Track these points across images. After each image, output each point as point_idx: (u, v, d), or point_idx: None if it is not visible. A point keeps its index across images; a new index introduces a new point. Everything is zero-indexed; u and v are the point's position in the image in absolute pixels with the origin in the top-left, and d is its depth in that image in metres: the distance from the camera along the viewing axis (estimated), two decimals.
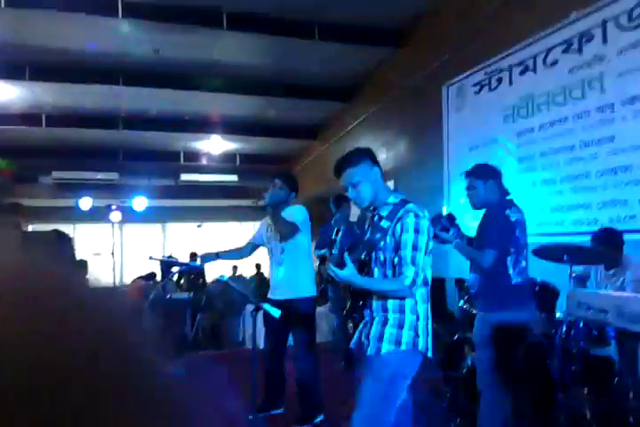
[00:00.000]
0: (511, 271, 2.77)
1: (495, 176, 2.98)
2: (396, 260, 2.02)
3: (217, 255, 3.66)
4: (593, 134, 3.96)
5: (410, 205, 2.09)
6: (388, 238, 2.06)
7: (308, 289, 3.59)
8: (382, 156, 7.55)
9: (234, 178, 10.99)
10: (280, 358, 3.75)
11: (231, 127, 9.24)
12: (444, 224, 2.96)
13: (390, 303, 2.06)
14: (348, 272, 1.94)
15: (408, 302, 2.05)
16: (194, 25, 5.84)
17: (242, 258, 3.91)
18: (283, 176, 3.76)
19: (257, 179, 11.43)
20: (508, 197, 3.01)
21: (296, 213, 3.56)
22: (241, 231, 12.39)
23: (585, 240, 3.73)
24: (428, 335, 2.08)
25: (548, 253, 3.27)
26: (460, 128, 5.60)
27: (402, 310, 2.05)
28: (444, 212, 3.06)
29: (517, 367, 2.82)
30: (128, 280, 9.40)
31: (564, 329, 2.77)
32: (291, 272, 3.56)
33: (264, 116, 8.94)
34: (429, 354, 2.09)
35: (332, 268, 1.94)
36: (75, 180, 9.86)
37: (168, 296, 6.38)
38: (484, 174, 2.96)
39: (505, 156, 4.91)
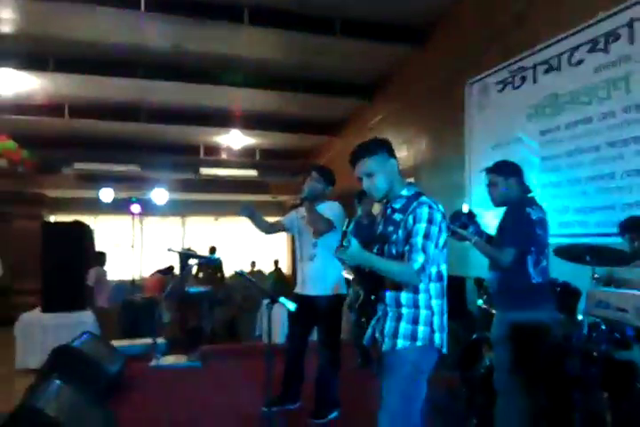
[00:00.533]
0: (531, 270, 2.74)
1: (516, 173, 2.95)
2: (407, 248, 1.99)
3: (253, 211, 3.65)
4: (618, 135, 3.89)
5: (423, 198, 2.08)
6: (400, 232, 2.04)
7: (337, 286, 3.58)
8: (403, 153, 7.51)
9: (253, 173, 11.03)
10: (301, 353, 3.76)
11: (251, 122, 9.26)
12: (464, 221, 2.94)
13: (404, 298, 2.04)
14: (354, 250, 1.89)
15: (422, 297, 2.03)
16: (215, 20, 5.86)
17: (264, 231, 3.85)
18: (319, 169, 3.76)
19: (276, 174, 11.50)
20: (530, 195, 2.97)
21: (333, 208, 3.55)
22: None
23: (609, 242, 3.68)
24: (443, 331, 2.06)
25: (570, 253, 3.23)
26: (482, 126, 5.54)
27: (416, 305, 2.03)
28: (465, 209, 3.02)
29: (535, 368, 2.79)
30: (147, 273, 9.53)
31: (585, 331, 2.74)
32: (321, 268, 3.55)
33: (285, 111, 8.96)
34: (444, 350, 2.07)
35: (338, 252, 1.88)
36: (96, 171, 9.97)
37: (186, 289, 6.43)
38: (505, 171, 2.94)
39: (528, 155, 4.85)
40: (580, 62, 4.19)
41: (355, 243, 1.89)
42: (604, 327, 2.63)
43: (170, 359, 5.29)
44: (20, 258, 9.19)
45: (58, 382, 2.98)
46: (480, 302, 3.74)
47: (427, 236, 1.97)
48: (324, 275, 3.53)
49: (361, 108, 8.80)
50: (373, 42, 6.48)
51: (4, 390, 4.71)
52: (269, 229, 3.86)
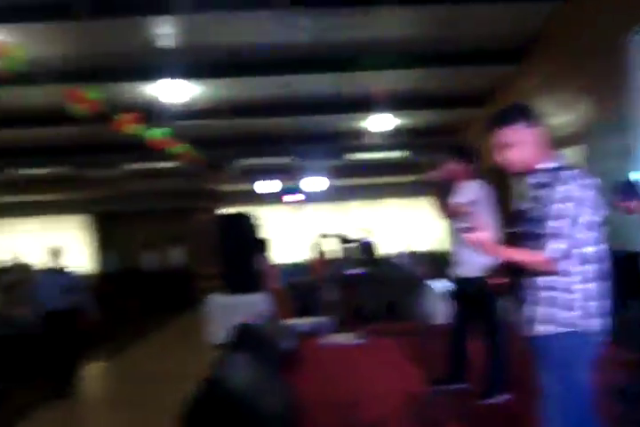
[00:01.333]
0: None
1: None
2: (543, 231, 1.84)
3: None
4: None
5: (565, 173, 1.87)
6: (537, 209, 1.89)
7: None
8: (560, 119, 6.97)
9: (402, 154, 11.02)
10: (462, 333, 3.76)
11: (397, 103, 9.21)
12: (625, 192, 2.70)
13: (544, 281, 1.90)
14: (484, 242, 1.85)
15: (562, 280, 1.87)
16: (349, 7, 5.94)
17: None
18: (456, 149, 3.70)
19: (426, 153, 11.35)
20: None
21: (469, 189, 3.51)
22: (415, 207, 12.43)
23: None
24: (602, 317, 1.89)
25: None
26: None
27: (553, 288, 1.89)
28: (630, 178, 2.76)
29: None
30: (309, 257, 10.15)
31: None
32: (470, 250, 3.52)
33: (429, 88, 8.77)
34: (599, 337, 1.91)
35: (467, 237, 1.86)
36: (255, 166, 10.78)
37: (345, 271, 6.72)
38: None
39: None
40: None
41: (485, 235, 1.85)
42: None
43: (338, 337, 5.63)
44: (199, 247, 10.42)
45: (242, 356, 3.37)
46: None
47: (569, 218, 1.82)
48: (473, 256, 3.42)
49: (510, 75, 8.28)
50: (516, 2, 6.04)
51: (197, 362, 5.41)
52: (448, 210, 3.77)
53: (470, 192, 3.46)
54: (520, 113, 2.00)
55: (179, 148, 8.84)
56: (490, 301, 3.60)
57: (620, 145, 5.43)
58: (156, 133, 7.75)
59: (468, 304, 3.72)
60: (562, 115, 6.97)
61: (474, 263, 3.45)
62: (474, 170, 3.63)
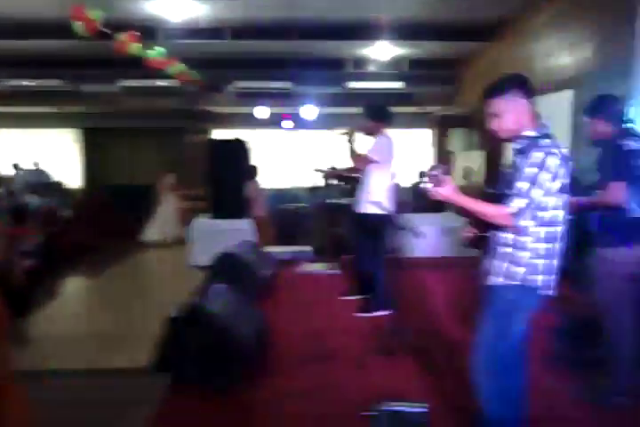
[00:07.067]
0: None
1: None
2: (512, 191, 2.01)
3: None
4: None
5: (544, 141, 2.04)
6: (517, 173, 2.04)
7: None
8: (566, 60, 6.81)
9: (401, 85, 10.79)
10: (370, 262, 4.41)
11: (400, 32, 8.89)
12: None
13: (509, 238, 2.10)
14: (447, 190, 2.00)
15: (527, 239, 2.07)
16: None
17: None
18: (367, 107, 4.37)
19: (424, 84, 11.12)
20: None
21: (376, 144, 4.25)
22: (407, 138, 12.35)
23: None
24: (549, 274, 2.10)
25: None
26: None
27: (519, 247, 2.08)
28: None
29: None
30: (299, 184, 10.27)
31: None
32: (367, 190, 4.32)
33: (436, 17, 8.42)
34: (549, 292, 2.13)
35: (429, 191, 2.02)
36: (254, 89, 10.57)
37: (327, 200, 6.80)
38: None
39: None
40: None
41: (449, 183, 1.99)
42: None
43: (314, 266, 5.90)
44: (188, 167, 10.50)
45: (221, 284, 3.60)
46: None
47: (534, 181, 1.97)
48: (373, 198, 4.16)
49: (520, 10, 7.94)
50: None
51: (178, 283, 5.69)
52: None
53: (379, 145, 4.20)
54: (512, 84, 2.14)
55: (177, 67, 8.65)
56: (380, 233, 4.23)
57: (617, 91, 5.38)
58: (155, 53, 7.56)
59: (367, 237, 4.29)
60: (565, 56, 6.81)
61: (369, 201, 4.11)
62: (384, 127, 4.29)
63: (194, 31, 8.28)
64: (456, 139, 11.75)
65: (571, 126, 6.24)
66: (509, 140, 2.20)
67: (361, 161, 4.18)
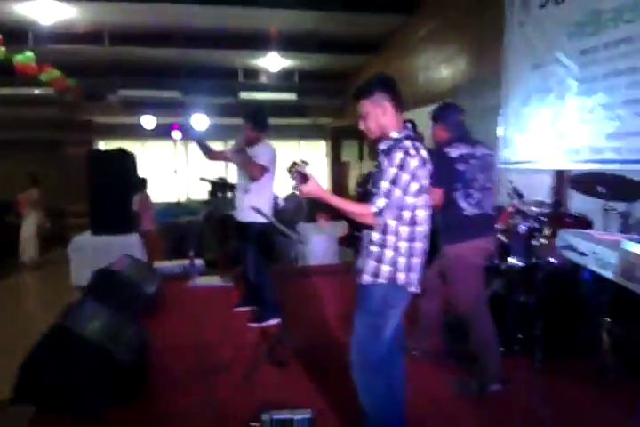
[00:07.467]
0: (463, 204, 2.90)
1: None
2: (374, 190, 2.05)
3: (203, 137, 4.41)
4: None
5: (405, 143, 2.07)
6: (380, 173, 2.08)
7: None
8: (443, 73, 7.22)
9: (292, 96, 10.89)
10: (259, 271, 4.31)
11: (290, 43, 9.01)
12: None
13: (374, 237, 2.13)
14: (310, 187, 2.01)
15: (390, 238, 2.10)
16: None
17: (207, 157, 4.54)
18: (248, 116, 4.22)
19: (316, 97, 11.31)
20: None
21: (265, 151, 4.17)
22: (301, 149, 12.50)
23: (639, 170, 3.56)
24: (410, 271, 2.13)
25: (583, 183, 3.16)
26: (522, 45, 5.19)
27: (383, 245, 2.11)
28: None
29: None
30: (193, 196, 9.95)
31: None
32: (254, 201, 4.11)
33: (323, 31, 8.63)
34: (413, 289, 2.17)
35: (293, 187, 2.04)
36: (140, 98, 10.14)
37: (223, 213, 6.68)
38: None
39: (566, 77, 4.58)
40: None
41: (313, 180, 1.98)
42: None
43: (205, 280, 5.69)
44: (71, 182, 9.78)
45: (92, 302, 3.31)
46: None
47: (394, 181, 2.01)
48: (256, 205, 3.92)
49: (401, 25, 8.36)
50: None
51: (58, 304, 5.24)
52: (213, 157, 4.47)
53: (263, 154, 4.12)
54: (377, 86, 2.17)
55: (50, 73, 8.08)
56: (264, 242, 4.21)
57: (489, 102, 5.76)
58: (23, 57, 7.01)
59: (251, 246, 4.20)
60: (442, 69, 7.21)
61: (251, 210, 3.91)
62: (265, 135, 4.27)
63: (69, 36, 7.81)
64: (349, 150, 12.06)
65: None
66: (378, 140, 2.22)
67: (259, 170, 4.06)
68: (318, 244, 6.65)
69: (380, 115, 2.15)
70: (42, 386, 2.76)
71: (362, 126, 2.22)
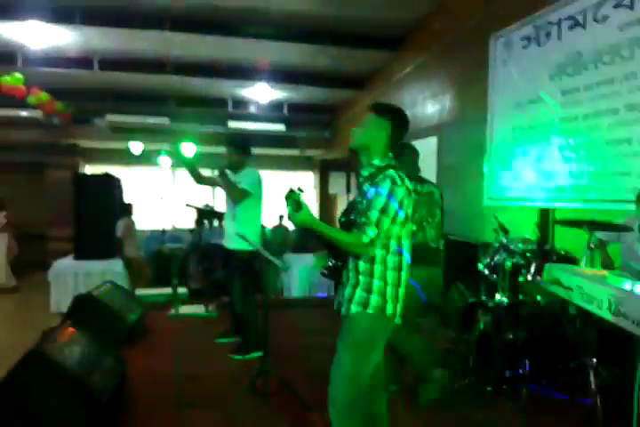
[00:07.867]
0: None
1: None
2: (363, 220, 2.04)
3: (194, 163, 4.47)
4: (638, 98, 3.72)
5: (391, 171, 2.09)
6: (364, 202, 2.09)
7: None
8: (428, 109, 7.36)
9: (281, 127, 11.00)
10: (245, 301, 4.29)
11: (279, 75, 9.16)
12: None
13: (362, 266, 2.11)
14: (302, 215, 1.98)
15: (378, 268, 2.09)
16: None
17: (196, 181, 4.52)
18: (232, 142, 4.37)
19: (304, 128, 11.44)
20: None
21: (249, 176, 4.20)
22: (287, 180, 12.53)
23: (623, 209, 3.64)
24: (397, 302, 2.11)
25: (568, 223, 3.21)
26: (505, 84, 5.35)
27: (371, 275, 2.09)
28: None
29: None
30: (179, 224, 9.86)
31: None
32: (240, 227, 4.09)
33: (313, 64, 8.80)
34: (397, 321, 2.14)
35: (288, 216, 2.02)
36: (128, 123, 10.14)
37: (207, 242, 6.65)
38: None
39: (549, 116, 4.71)
40: (605, 19, 3.96)
41: (306, 208, 1.97)
42: None
43: (188, 309, 5.58)
44: (54, 206, 9.65)
45: (72, 330, 3.23)
46: (480, 266, 3.78)
47: (383, 211, 2.01)
48: (243, 233, 3.77)
49: (388, 61, 8.57)
50: None
51: (37, 331, 5.10)
52: (201, 180, 4.43)
53: (246, 179, 4.13)
54: (388, 111, 2.21)
55: (38, 96, 8.09)
56: (249, 271, 4.16)
57: (474, 139, 5.88)
58: (10, 79, 7.01)
59: (237, 274, 4.18)
60: (428, 105, 7.37)
61: (237, 236, 3.79)
62: (248, 159, 4.31)
63: (58, 59, 7.84)
64: (336, 182, 12.14)
65: (436, 169, 6.73)
66: (354, 153, 2.24)
67: (240, 194, 4.08)
68: (302, 275, 6.62)
69: (374, 132, 2.17)
70: (14, 414, 2.65)
71: (353, 130, 2.23)
